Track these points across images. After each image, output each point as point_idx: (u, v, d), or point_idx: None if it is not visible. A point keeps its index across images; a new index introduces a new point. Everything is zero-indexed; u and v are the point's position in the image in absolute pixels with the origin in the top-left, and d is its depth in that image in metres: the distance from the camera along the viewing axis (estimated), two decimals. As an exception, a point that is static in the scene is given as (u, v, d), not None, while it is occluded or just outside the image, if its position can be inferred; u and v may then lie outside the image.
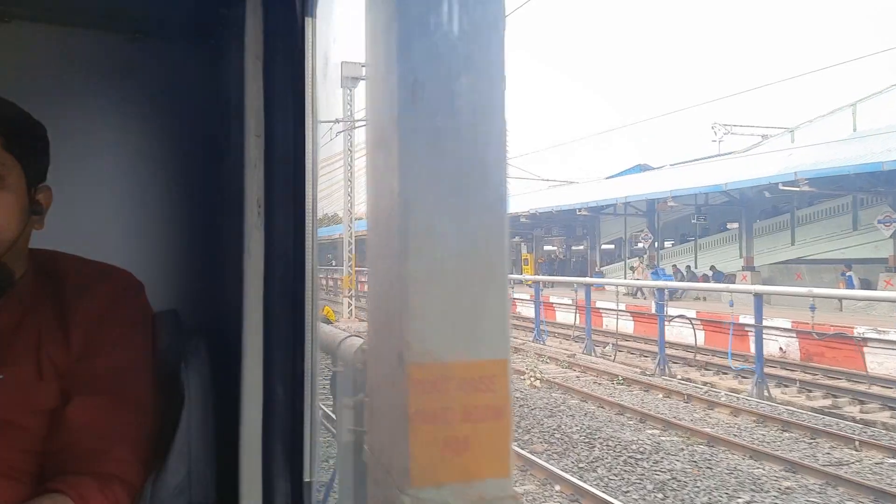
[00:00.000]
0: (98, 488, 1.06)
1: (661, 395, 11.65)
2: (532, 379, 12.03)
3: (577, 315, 22.77)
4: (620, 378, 12.72)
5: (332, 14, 1.27)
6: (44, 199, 1.16)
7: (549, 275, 32.97)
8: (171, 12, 1.48)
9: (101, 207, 1.51)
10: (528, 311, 22.64)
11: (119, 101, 1.53)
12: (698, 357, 14.47)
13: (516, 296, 27.34)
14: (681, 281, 22.00)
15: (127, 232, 1.52)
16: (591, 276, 29.11)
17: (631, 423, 9.76)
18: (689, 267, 24.48)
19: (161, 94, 1.54)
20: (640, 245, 28.53)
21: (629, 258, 29.28)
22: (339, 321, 22.42)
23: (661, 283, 18.28)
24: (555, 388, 12.09)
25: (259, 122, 1.20)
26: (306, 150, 1.21)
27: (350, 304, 22.67)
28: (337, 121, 21.18)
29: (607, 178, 31.22)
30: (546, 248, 37.01)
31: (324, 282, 48.16)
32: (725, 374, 13.59)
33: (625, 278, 27.71)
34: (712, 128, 34.51)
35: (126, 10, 1.49)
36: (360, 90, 21.69)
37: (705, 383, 12.78)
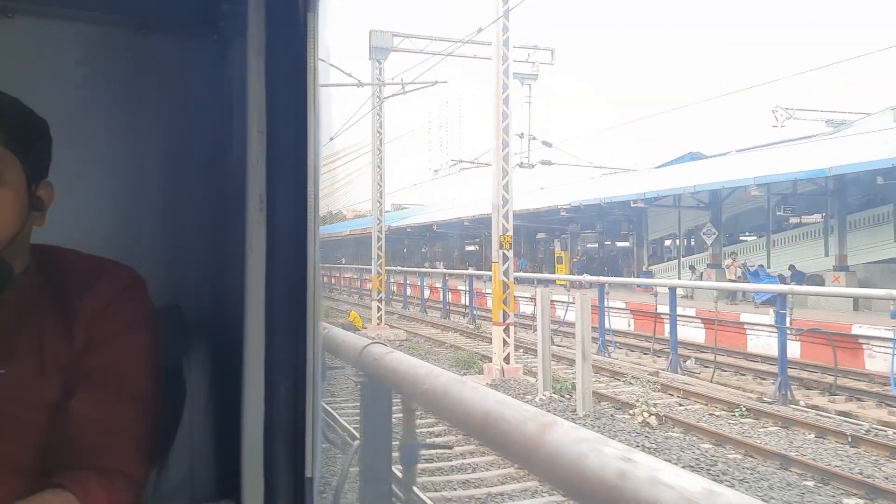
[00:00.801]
0: (101, 483, 1.08)
1: (811, 435, 9.00)
2: (644, 414, 9.32)
3: (633, 321, 20.22)
4: (743, 408, 10.08)
5: (333, 9, 1.27)
6: (45, 195, 1.17)
7: (584, 275, 30.44)
8: (174, 7, 1.51)
9: (103, 203, 1.52)
10: (568, 314, 20.38)
11: (120, 97, 1.53)
12: (821, 377, 12.13)
13: (554, 297, 25.19)
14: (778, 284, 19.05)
15: (129, 228, 1.52)
16: (638, 276, 26.65)
17: (810, 484, 7.11)
18: (761, 266, 21.71)
19: (163, 89, 1.54)
20: (696, 242, 25.70)
21: (684, 256, 26.47)
22: (367, 328, 19.80)
23: (775, 287, 15.56)
24: (668, 423, 9.41)
25: (261, 118, 1.19)
26: (308, 147, 1.20)
27: (379, 309, 20.03)
28: (378, 83, 18.47)
29: (658, 166, 28.37)
30: (580, 245, 34.12)
31: (333, 280, 45.75)
32: (861, 399, 10.98)
33: (679, 278, 25.08)
34: (773, 112, 31.77)
35: (127, 5, 1.50)
36: (391, 62, 19.18)
37: (841, 413, 10.15)
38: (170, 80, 1.53)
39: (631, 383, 12.16)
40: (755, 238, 24.49)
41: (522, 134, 21.34)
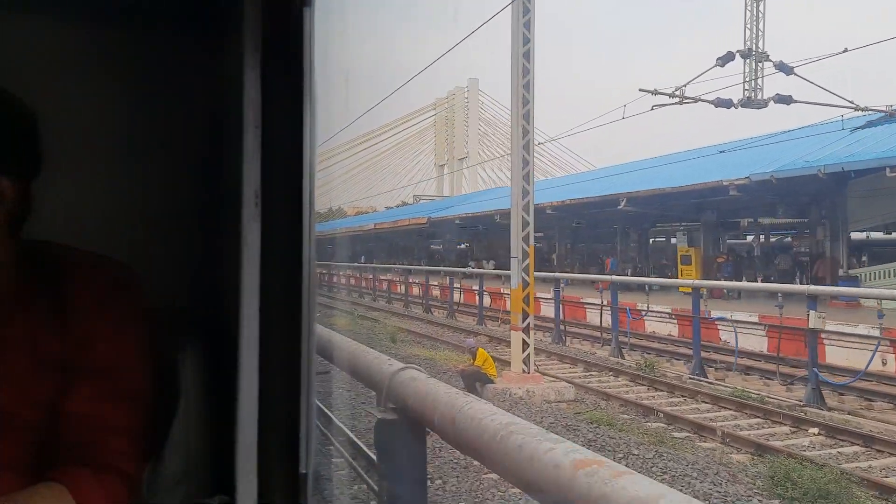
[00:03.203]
0: (95, 479, 1.08)
1: None
2: None
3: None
4: None
5: (330, 4, 1.25)
6: (6, 188, 1.13)
7: (732, 280, 22.53)
8: (167, 2, 1.49)
9: (96, 199, 1.50)
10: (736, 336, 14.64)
11: (114, 93, 1.52)
12: None
13: (717, 313, 17.10)
14: None
15: (123, 223, 1.51)
16: (839, 284, 18.67)
17: None
18: None
19: (158, 83, 1.54)
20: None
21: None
22: (505, 377, 11.27)
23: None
24: None
25: (257, 114, 1.19)
26: (304, 142, 1.20)
27: (526, 344, 11.56)
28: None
29: (855, 129, 19.96)
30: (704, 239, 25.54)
31: (364, 283, 37.59)
32: None
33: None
34: None
35: (120, 1, 1.49)
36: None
37: None
38: (165, 75, 1.52)
39: None
40: None
41: (749, 51, 13.15)
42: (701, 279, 23.98)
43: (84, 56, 1.48)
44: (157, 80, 1.51)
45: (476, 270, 26.83)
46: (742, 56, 13.49)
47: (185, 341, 1.29)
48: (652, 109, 15.53)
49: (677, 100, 15.01)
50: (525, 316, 11.24)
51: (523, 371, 11.21)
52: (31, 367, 1.09)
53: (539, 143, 21.90)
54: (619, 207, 22.50)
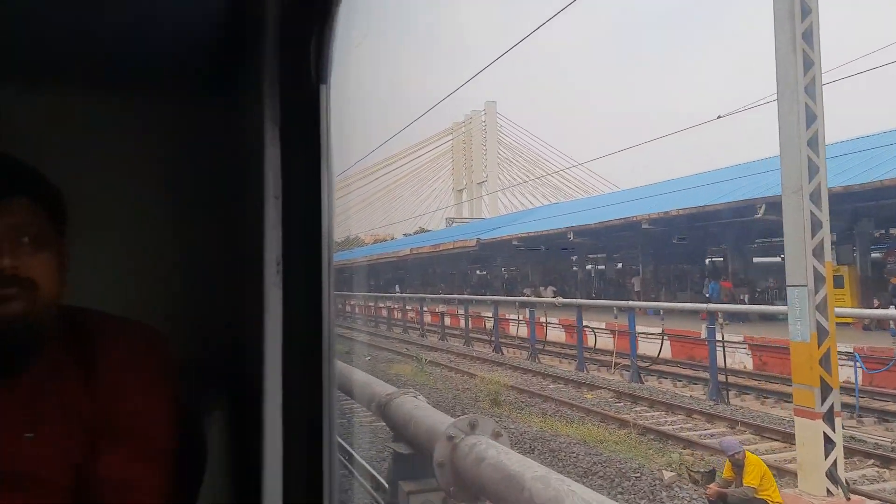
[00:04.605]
0: None
1: None
2: None
3: None
4: None
5: (346, 82, 1.29)
6: (67, 256, 1.19)
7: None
8: (191, 75, 1.54)
9: (127, 265, 1.55)
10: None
11: (135, 161, 1.57)
12: None
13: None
14: None
15: (148, 287, 1.55)
16: None
17: None
18: None
19: (182, 158, 1.58)
20: None
21: None
22: (792, 502, 5.85)
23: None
24: None
25: (277, 185, 1.24)
26: (322, 212, 1.24)
27: (831, 442, 6.50)
28: None
29: None
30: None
31: (407, 313, 32.71)
32: None
33: None
34: None
35: (145, 71, 1.53)
36: None
37: None
38: (190, 148, 1.57)
39: None
40: None
41: None
42: (859, 306, 18.57)
43: (108, 126, 1.54)
44: (183, 153, 1.56)
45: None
46: None
47: (211, 402, 1.33)
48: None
49: None
50: (826, 390, 6.21)
51: (829, 493, 6.15)
52: (64, 431, 1.11)
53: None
54: (758, 216, 17.47)
